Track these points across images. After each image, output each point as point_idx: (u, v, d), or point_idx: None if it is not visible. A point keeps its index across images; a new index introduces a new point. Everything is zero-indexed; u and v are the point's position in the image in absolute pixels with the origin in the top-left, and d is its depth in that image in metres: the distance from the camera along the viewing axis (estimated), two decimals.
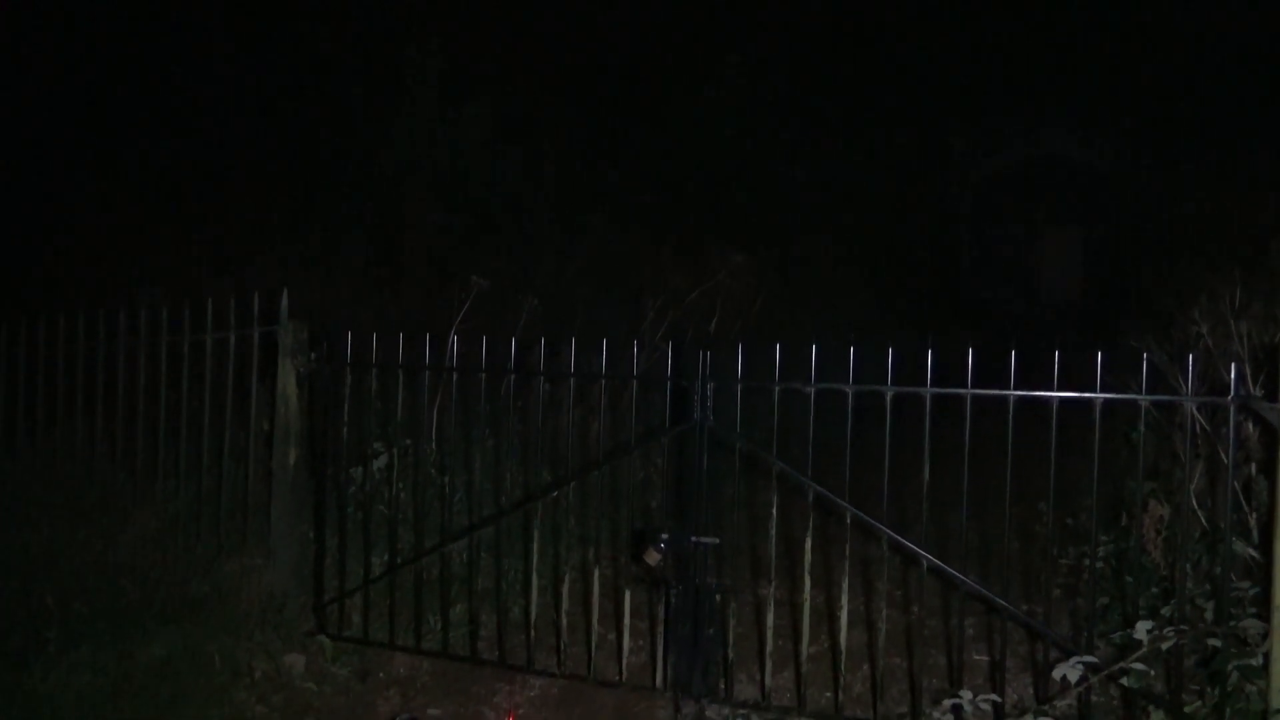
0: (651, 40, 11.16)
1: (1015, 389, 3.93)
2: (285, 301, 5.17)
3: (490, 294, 6.28)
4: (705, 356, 4.28)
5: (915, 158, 14.36)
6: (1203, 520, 4.80)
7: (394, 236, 8.39)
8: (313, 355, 5.21)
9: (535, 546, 4.73)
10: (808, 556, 4.22)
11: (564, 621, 4.64)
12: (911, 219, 14.41)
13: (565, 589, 4.68)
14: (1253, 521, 4.68)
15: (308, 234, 7.98)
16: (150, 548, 5.35)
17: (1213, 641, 3.73)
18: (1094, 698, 3.91)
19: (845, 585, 4.19)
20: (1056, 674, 3.73)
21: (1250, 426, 4.69)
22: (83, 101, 9.15)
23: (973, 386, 3.97)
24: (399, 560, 5.01)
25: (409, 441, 5.40)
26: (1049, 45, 13.89)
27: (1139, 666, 3.70)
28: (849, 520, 4.14)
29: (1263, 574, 3.83)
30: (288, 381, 5.21)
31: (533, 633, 4.67)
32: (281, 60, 9.22)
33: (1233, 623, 3.78)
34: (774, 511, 4.28)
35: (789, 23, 12.44)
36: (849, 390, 4.12)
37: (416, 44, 8.94)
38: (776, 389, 4.24)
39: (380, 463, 5.40)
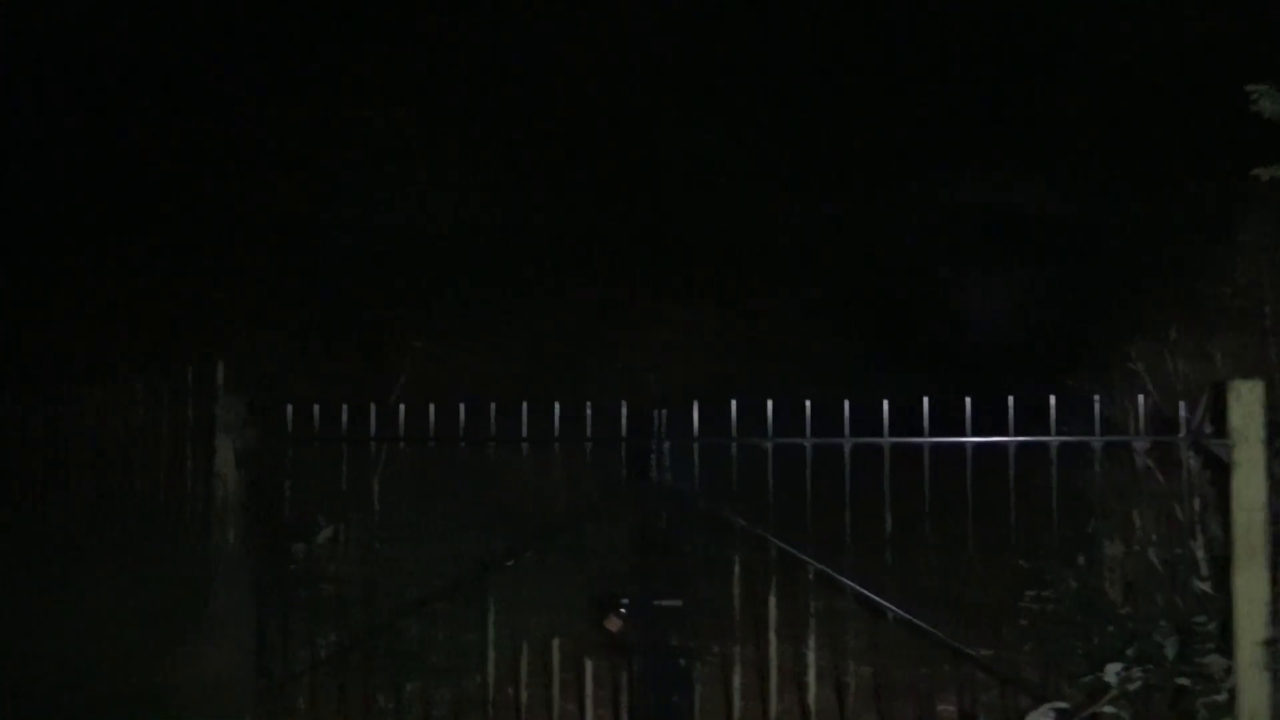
0: (605, 95, 11.20)
1: (972, 435, 3.96)
2: (221, 375, 5.00)
3: (435, 357, 6.16)
4: (661, 415, 4.23)
5: (865, 206, 14.64)
6: (1152, 558, 4.86)
7: (333, 302, 8.23)
8: (250, 431, 5.03)
9: (491, 618, 4.59)
10: (772, 613, 4.17)
11: (524, 695, 4.50)
12: (864, 266, 14.66)
13: (524, 661, 4.54)
14: (1200, 556, 4.76)
15: (244, 300, 7.78)
16: (81, 639, 5.07)
17: (1180, 680, 3.75)
18: None
19: (811, 641, 4.14)
20: None
21: (1193, 463, 4.79)
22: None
23: (930, 434, 3.99)
24: (346, 640, 4.82)
25: (354, 515, 5.24)
26: (998, 95, 14.34)
27: (1110, 710, 3.71)
28: (812, 574, 4.10)
29: (1222, 610, 3.87)
30: (225, 458, 5.01)
31: (490, 709, 4.52)
32: (214, 119, 9.05)
33: (1196, 659, 3.82)
34: (736, 569, 4.23)
35: (748, 74, 12.65)
36: (807, 444, 4.10)
37: (361, 99, 8.86)
38: (734, 445, 4.21)
39: (325, 535, 5.22)
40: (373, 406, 4.75)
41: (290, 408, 4.85)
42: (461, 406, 4.61)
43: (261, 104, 9.26)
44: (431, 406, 4.63)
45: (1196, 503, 4.81)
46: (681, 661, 4.22)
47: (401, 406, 4.74)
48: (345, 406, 4.76)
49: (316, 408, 4.83)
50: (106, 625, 5.18)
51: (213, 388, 5.00)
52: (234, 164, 9.02)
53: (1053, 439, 3.89)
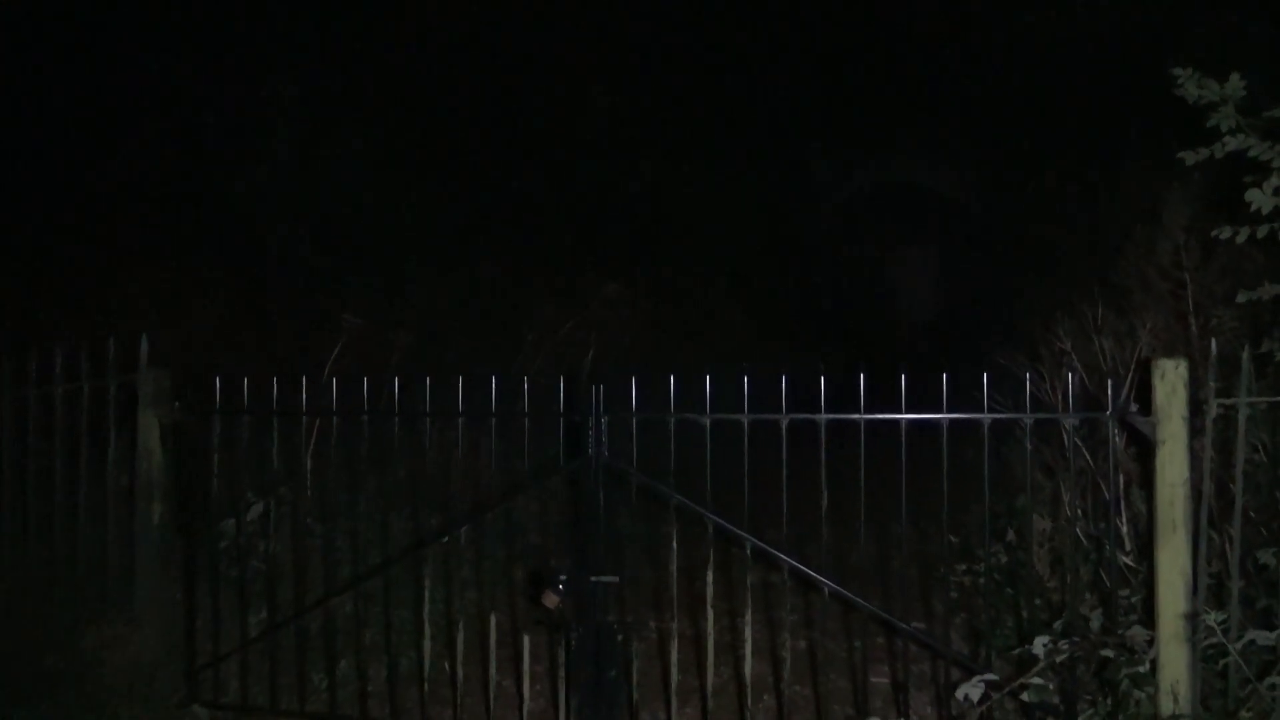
0: (518, 73, 11.09)
1: (906, 412, 3.99)
2: (145, 348, 4.84)
3: (364, 332, 6.04)
4: (598, 390, 4.19)
5: (784, 187, 14.72)
6: (1079, 533, 4.98)
7: (261, 276, 8.02)
8: (176, 404, 4.89)
9: (427, 594, 4.53)
10: (709, 589, 4.18)
11: (459, 672, 4.45)
12: (783, 247, 14.76)
13: (460, 637, 4.50)
14: (1124, 531, 4.89)
15: (168, 275, 7.53)
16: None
17: (1105, 652, 3.85)
18: (994, 713, 3.98)
19: (748, 616, 4.16)
20: (960, 693, 3.79)
21: (1118, 440, 4.91)
22: None
23: (865, 411, 4.01)
24: (278, 618, 4.72)
25: (284, 490, 5.12)
26: (910, 75, 14.48)
27: (1038, 681, 3.79)
28: (749, 550, 4.11)
29: (1144, 583, 3.98)
30: (150, 433, 4.88)
31: (426, 685, 4.47)
32: (134, 89, 8.71)
33: (1120, 631, 3.92)
34: (674, 545, 4.23)
35: (654, 54, 12.60)
36: (744, 419, 4.10)
37: (281, 74, 8.61)
38: (673, 420, 4.20)
39: (255, 512, 5.11)
40: (304, 379, 4.64)
41: (218, 380, 4.72)
42: (396, 380, 4.54)
43: (186, 81, 8.97)
44: (365, 380, 4.55)
45: (1121, 479, 4.95)
46: (618, 636, 4.21)
47: (335, 380, 4.64)
48: (275, 379, 4.64)
49: (246, 380, 4.71)
50: (27, 606, 5.01)
51: (136, 361, 4.84)
52: (162, 141, 8.73)
53: (985, 415, 3.94)
